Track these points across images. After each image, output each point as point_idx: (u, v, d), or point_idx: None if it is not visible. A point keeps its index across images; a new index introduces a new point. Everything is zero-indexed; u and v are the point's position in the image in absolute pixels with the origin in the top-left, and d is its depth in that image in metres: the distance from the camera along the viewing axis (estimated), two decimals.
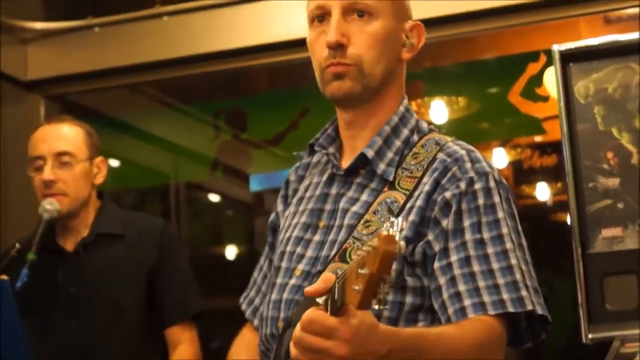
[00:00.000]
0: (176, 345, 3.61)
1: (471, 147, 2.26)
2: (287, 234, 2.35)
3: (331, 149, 2.35)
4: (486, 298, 2.06)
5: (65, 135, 3.61)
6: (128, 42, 5.00)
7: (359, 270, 1.63)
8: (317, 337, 1.75)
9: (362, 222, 2.20)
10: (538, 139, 5.62)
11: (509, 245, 2.12)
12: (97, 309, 3.52)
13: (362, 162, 2.27)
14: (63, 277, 3.55)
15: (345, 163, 2.31)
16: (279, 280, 2.29)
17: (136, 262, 3.59)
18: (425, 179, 2.19)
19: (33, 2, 5.26)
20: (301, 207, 2.37)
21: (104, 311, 3.52)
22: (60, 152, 3.56)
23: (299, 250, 2.28)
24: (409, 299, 2.13)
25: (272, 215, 2.54)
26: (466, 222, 2.13)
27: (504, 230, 2.14)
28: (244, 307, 2.55)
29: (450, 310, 2.08)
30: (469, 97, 5.46)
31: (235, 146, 5.87)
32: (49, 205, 3.49)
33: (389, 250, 1.59)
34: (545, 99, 4.95)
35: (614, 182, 3.30)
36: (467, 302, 2.06)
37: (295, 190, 2.46)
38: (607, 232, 3.28)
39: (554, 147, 5.47)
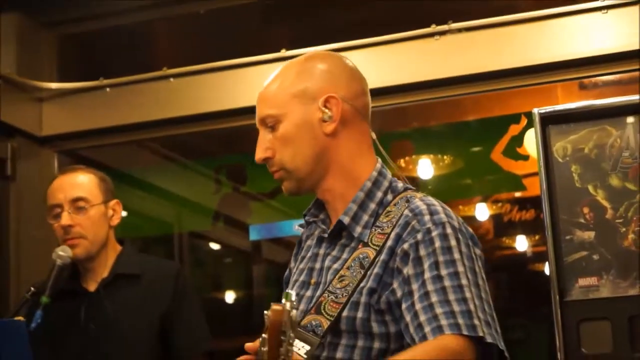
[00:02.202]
0: None
1: (433, 202, 2.31)
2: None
3: (321, 215, 2.46)
4: (443, 322, 2.10)
5: (79, 183, 3.64)
6: (137, 101, 5.01)
7: (263, 335, 1.85)
8: None
9: (337, 276, 2.28)
10: (518, 194, 5.66)
11: (464, 282, 2.17)
12: (113, 346, 3.52)
13: (342, 227, 2.36)
14: (85, 315, 3.55)
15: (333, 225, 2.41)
16: None
17: (151, 303, 3.59)
18: (392, 235, 2.27)
19: (49, 64, 5.30)
20: (301, 266, 2.46)
21: (119, 348, 3.52)
22: (75, 198, 3.59)
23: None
24: (376, 344, 2.21)
25: (287, 272, 2.62)
26: (425, 265, 2.18)
27: (460, 268, 2.18)
28: None
29: (417, 340, 2.12)
30: (454, 155, 5.51)
31: (236, 199, 5.91)
32: (62, 252, 3.51)
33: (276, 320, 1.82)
34: (526, 157, 4.99)
35: (589, 235, 3.33)
36: (427, 329, 2.11)
37: (302, 248, 2.54)
38: (583, 281, 3.31)
39: (532, 203, 5.50)
